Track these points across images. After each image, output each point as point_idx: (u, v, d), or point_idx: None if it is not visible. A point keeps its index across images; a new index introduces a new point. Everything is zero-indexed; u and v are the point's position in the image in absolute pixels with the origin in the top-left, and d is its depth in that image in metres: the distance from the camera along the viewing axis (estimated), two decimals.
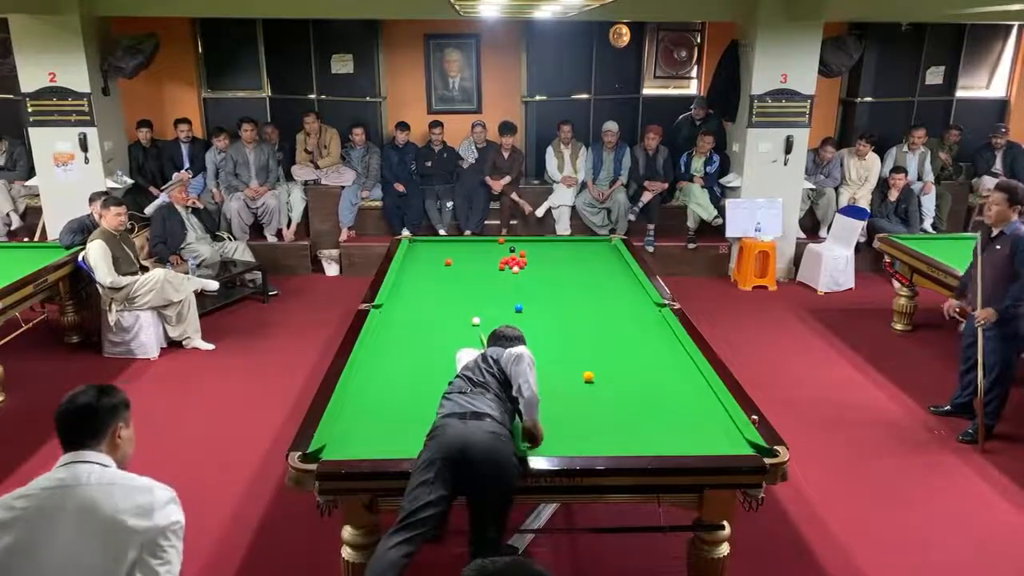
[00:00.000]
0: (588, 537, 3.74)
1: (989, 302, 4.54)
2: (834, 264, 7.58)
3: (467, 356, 3.31)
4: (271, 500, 4.07)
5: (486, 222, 8.15)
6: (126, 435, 2.16)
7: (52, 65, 7.07)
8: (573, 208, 8.14)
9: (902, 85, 8.82)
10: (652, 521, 3.15)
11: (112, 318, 5.78)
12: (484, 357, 3.12)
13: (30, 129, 7.35)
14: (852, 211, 7.76)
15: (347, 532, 3.01)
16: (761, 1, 7.23)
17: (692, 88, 9.19)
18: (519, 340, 3.29)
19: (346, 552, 3.03)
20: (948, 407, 5.05)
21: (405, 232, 7.45)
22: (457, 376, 3.10)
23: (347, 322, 4.36)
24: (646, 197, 7.97)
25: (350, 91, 8.64)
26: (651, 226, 8.05)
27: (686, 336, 4.10)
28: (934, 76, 8.87)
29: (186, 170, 7.95)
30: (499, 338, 3.30)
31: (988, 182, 7.97)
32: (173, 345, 6.06)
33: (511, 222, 8.22)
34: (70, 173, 7.36)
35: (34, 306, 6.04)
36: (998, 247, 4.51)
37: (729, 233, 7.80)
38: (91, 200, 6.18)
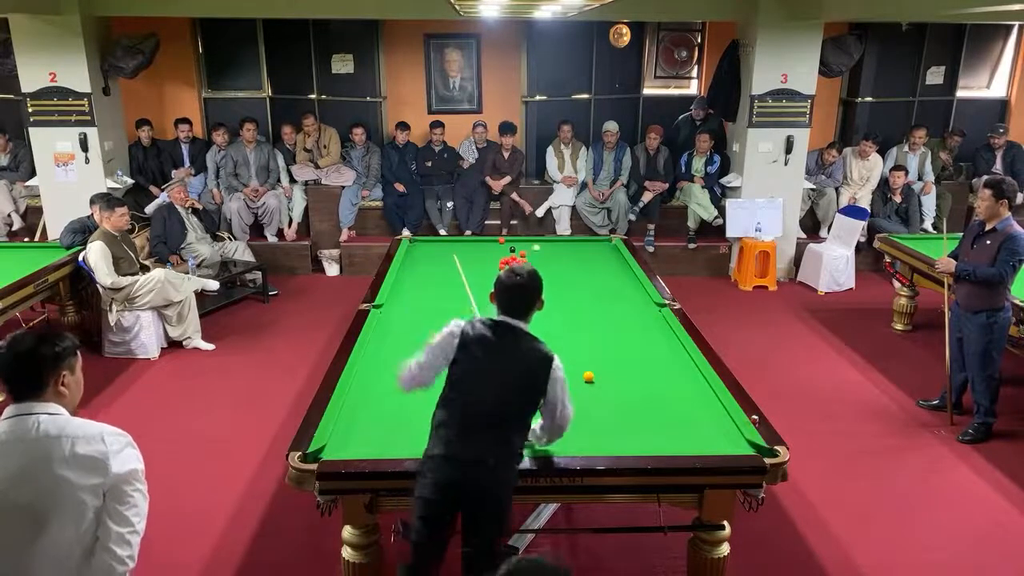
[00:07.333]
0: (588, 537, 3.75)
1: (972, 294, 4.64)
2: (834, 264, 7.58)
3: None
4: (271, 500, 4.07)
5: (486, 222, 8.15)
6: (71, 382, 2.12)
7: (52, 65, 7.08)
8: (573, 208, 8.14)
9: (902, 85, 8.82)
10: (652, 521, 3.15)
11: (112, 318, 5.78)
12: None
13: (30, 129, 7.35)
14: (852, 211, 7.76)
15: (347, 532, 3.01)
16: (761, 1, 7.23)
17: (692, 88, 9.18)
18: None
19: (346, 552, 3.03)
20: (936, 401, 5.15)
21: (405, 232, 7.45)
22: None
23: (347, 322, 4.36)
24: (646, 197, 7.97)
25: (350, 91, 8.64)
26: (651, 226, 8.06)
27: (686, 336, 4.10)
28: (934, 76, 8.87)
29: (185, 168, 7.96)
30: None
31: None
32: (173, 345, 6.06)
33: (511, 222, 8.22)
34: (70, 173, 7.37)
35: (34, 306, 6.03)
36: (988, 242, 4.57)
37: (729, 233, 7.80)
38: (92, 202, 6.18)
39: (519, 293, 2.76)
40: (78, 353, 2.16)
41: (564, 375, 2.75)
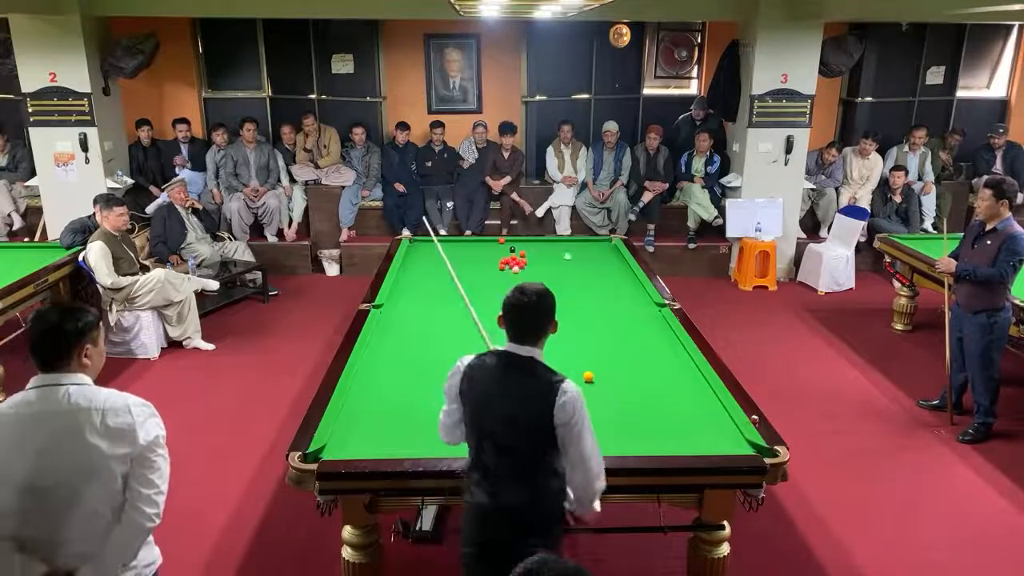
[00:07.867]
0: (588, 537, 3.74)
1: (972, 294, 4.64)
2: (834, 264, 7.58)
3: None
4: (271, 500, 4.08)
5: (486, 222, 8.15)
6: (94, 353, 2.25)
7: (52, 65, 7.08)
8: (573, 208, 8.14)
9: (902, 85, 8.82)
10: (652, 521, 3.15)
11: (112, 318, 5.78)
12: None
13: (30, 129, 7.35)
14: (852, 211, 7.76)
15: (347, 532, 3.01)
16: (761, 1, 7.23)
17: (692, 88, 9.18)
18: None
19: (346, 552, 3.03)
20: (936, 401, 5.16)
21: (405, 232, 7.44)
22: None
23: (347, 322, 4.36)
24: (646, 197, 7.97)
25: (350, 91, 8.64)
26: (651, 226, 8.06)
27: (686, 336, 4.10)
28: (934, 76, 8.87)
29: (181, 156, 7.95)
30: None
31: None
32: (173, 345, 6.06)
33: (511, 222, 8.22)
34: (70, 173, 7.37)
35: (35, 306, 6.03)
36: (988, 242, 4.57)
37: (729, 233, 7.80)
38: (95, 202, 6.18)
39: (527, 316, 2.43)
40: (100, 325, 2.30)
41: (581, 405, 2.37)
